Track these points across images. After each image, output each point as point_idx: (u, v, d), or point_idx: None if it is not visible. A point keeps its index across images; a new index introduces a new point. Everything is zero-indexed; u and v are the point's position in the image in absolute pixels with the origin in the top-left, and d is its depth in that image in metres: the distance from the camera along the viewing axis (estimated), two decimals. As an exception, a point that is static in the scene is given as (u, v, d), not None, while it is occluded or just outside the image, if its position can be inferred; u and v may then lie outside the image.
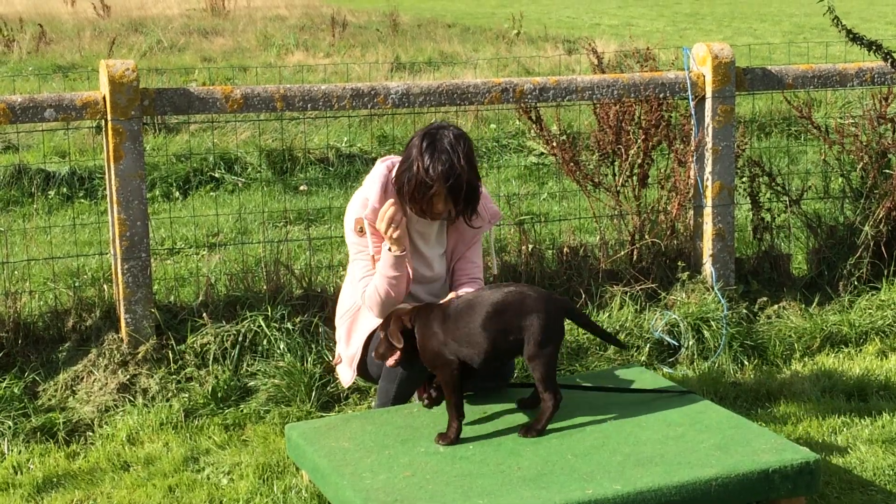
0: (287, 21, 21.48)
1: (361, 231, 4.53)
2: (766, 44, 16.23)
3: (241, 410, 5.11)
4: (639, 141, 6.10)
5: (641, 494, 3.66)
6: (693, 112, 6.05)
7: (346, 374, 4.72)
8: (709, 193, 6.05)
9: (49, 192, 8.85)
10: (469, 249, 4.65)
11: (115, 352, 5.26)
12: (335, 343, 4.82)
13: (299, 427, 4.37)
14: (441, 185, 4.33)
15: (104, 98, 5.20)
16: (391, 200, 4.41)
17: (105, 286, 5.63)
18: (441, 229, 4.66)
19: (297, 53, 17.00)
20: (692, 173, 6.07)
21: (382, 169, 4.55)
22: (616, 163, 6.21)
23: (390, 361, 4.29)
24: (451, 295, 4.45)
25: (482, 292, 4.20)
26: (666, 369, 5.56)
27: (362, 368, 4.66)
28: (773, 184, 6.45)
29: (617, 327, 5.72)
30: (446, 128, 4.43)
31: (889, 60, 6.24)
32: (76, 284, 5.90)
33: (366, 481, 3.79)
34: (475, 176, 4.42)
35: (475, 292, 4.25)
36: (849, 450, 4.66)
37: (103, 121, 5.24)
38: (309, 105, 5.51)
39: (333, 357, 5.02)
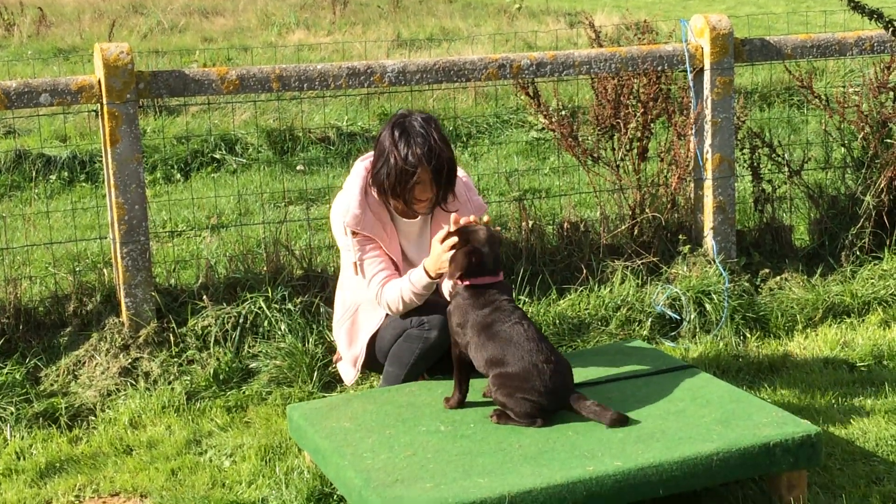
0: (287, -1, 21.38)
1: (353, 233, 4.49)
2: (768, 13, 16.14)
3: (243, 392, 5.11)
4: (638, 114, 6.07)
5: (642, 470, 3.65)
6: (691, 84, 6.02)
7: (349, 373, 4.72)
8: (709, 166, 6.03)
9: (50, 177, 8.84)
10: None
11: (117, 336, 5.26)
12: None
13: (300, 408, 4.37)
14: (423, 167, 4.31)
15: (99, 82, 5.18)
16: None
17: (105, 270, 5.63)
18: (424, 228, 4.64)
19: (298, 32, 16.93)
20: (692, 146, 6.05)
21: (361, 170, 4.53)
22: (615, 137, 6.19)
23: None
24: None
25: (530, 341, 4.01)
26: (668, 343, 5.55)
27: (370, 363, 4.66)
28: (774, 155, 6.42)
29: (618, 302, 5.71)
30: (412, 114, 4.43)
31: (890, 30, 6.20)
32: (77, 269, 5.90)
33: (367, 461, 3.79)
34: (451, 153, 4.43)
35: (529, 331, 4.04)
36: (851, 421, 4.64)
37: (99, 105, 5.23)
38: (305, 85, 5.50)
39: (335, 353, 4.98)
